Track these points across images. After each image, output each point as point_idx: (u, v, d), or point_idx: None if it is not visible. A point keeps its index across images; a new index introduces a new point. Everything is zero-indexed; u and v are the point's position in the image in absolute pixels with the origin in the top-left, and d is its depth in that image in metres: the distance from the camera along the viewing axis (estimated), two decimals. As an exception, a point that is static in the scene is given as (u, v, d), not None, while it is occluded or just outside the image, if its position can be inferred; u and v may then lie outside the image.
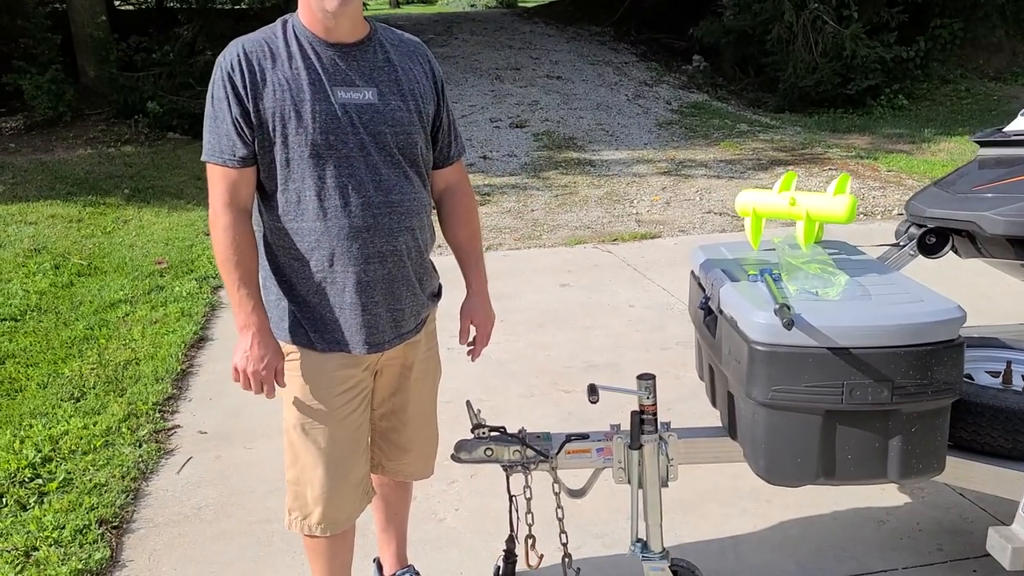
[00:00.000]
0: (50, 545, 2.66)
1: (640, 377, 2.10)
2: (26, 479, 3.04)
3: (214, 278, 5.26)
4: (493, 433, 2.19)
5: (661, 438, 2.14)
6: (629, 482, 2.16)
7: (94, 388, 3.78)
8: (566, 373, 3.93)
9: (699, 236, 6.15)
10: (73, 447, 3.26)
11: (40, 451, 3.20)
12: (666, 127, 10.04)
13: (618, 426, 2.21)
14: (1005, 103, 11.48)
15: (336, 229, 1.84)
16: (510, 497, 2.18)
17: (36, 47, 9.55)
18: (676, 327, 4.38)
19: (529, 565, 2.20)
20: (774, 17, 11.23)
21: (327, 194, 1.83)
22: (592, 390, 2.07)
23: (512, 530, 2.21)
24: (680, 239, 6.09)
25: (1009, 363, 2.43)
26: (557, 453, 2.19)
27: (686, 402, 3.47)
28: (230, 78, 1.80)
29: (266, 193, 1.88)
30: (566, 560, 2.21)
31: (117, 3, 13.34)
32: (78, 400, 3.68)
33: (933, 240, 2.64)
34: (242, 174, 1.84)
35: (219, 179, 1.83)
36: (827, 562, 2.54)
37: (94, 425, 3.42)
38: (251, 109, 1.80)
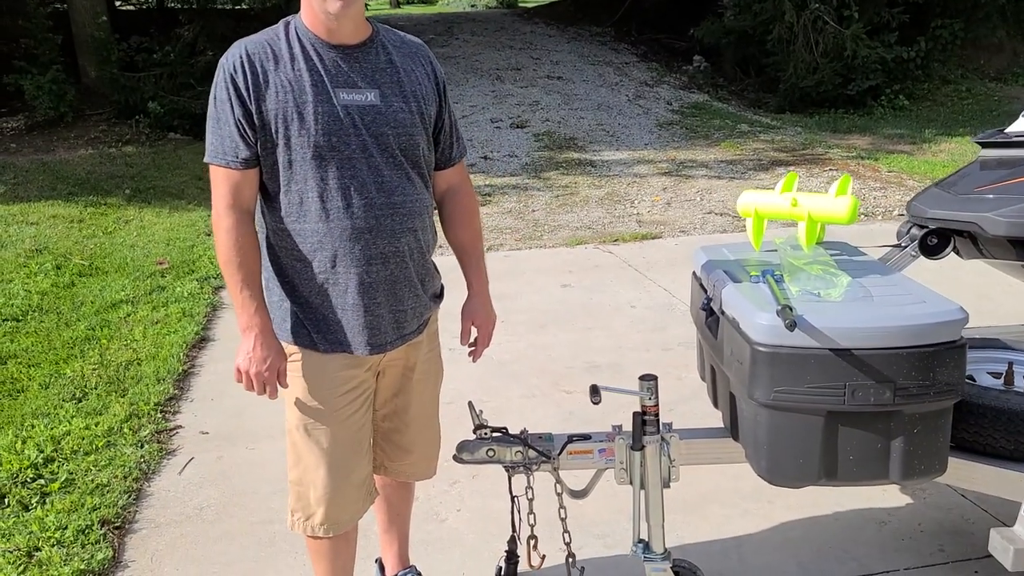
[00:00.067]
0: (52, 545, 2.66)
1: (642, 378, 2.10)
2: (28, 479, 3.04)
3: (215, 278, 5.26)
4: (495, 434, 2.19)
5: (663, 439, 2.14)
6: (631, 483, 2.16)
7: (96, 388, 3.78)
8: (567, 374, 3.93)
9: (700, 237, 6.15)
10: (75, 447, 3.26)
11: (42, 451, 3.20)
12: (667, 127, 10.04)
13: (620, 427, 2.22)
14: (1006, 103, 11.48)
15: (338, 230, 1.85)
16: (512, 498, 2.18)
17: (37, 47, 9.55)
18: (677, 328, 4.38)
19: (531, 565, 2.20)
20: (775, 17, 11.23)
21: (329, 195, 1.84)
22: (594, 391, 2.07)
23: (514, 531, 2.21)
24: (681, 239, 6.10)
25: (1011, 364, 2.43)
26: (559, 454, 2.19)
27: (687, 403, 3.47)
28: (233, 80, 1.81)
29: (269, 194, 1.89)
30: (570, 560, 2.21)
31: (118, 3, 13.35)
32: (80, 400, 3.68)
33: (935, 241, 2.64)
34: (245, 176, 1.84)
35: (222, 181, 1.84)
36: (829, 563, 2.55)
37: (96, 425, 3.43)
38: (254, 111, 1.80)
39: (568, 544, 2.19)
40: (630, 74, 12.65)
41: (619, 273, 5.37)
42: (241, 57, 1.82)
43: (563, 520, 2.18)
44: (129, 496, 2.96)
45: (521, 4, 23.64)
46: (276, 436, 3.30)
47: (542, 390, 3.78)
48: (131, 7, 13.83)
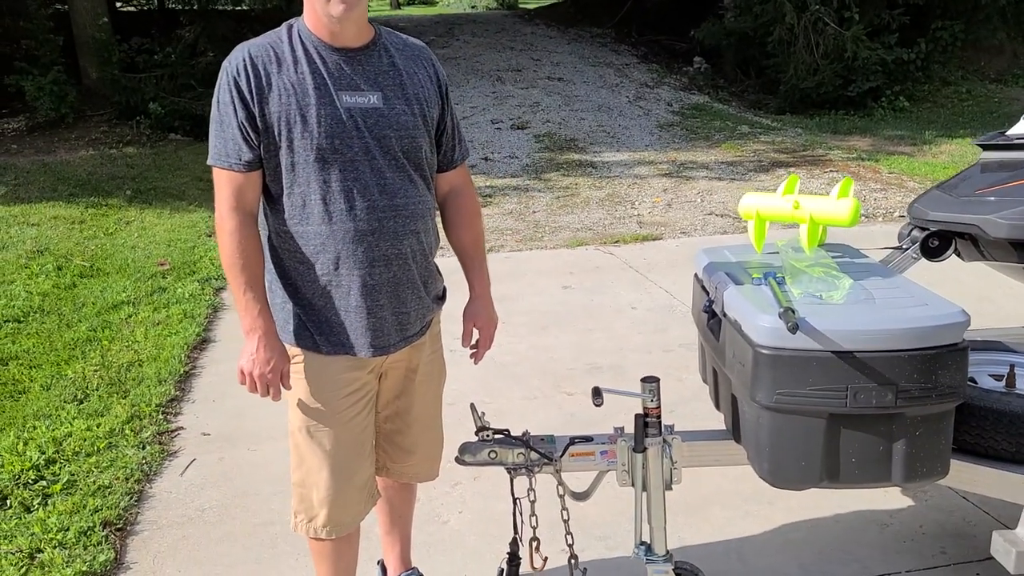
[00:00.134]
0: (54, 547, 2.66)
1: (644, 380, 2.10)
2: (30, 481, 3.04)
3: (216, 279, 5.27)
4: (497, 436, 2.19)
5: (665, 441, 2.14)
6: (633, 485, 2.16)
7: (97, 390, 3.79)
8: (568, 375, 3.93)
9: (701, 238, 6.15)
10: (77, 449, 3.26)
11: (44, 453, 3.20)
12: (667, 129, 10.05)
13: (622, 429, 2.22)
14: (1006, 105, 11.49)
15: (341, 233, 1.85)
16: (514, 500, 2.18)
17: (38, 48, 9.56)
18: (678, 329, 4.39)
19: (533, 567, 2.20)
20: (775, 19, 11.24)
21: (332, 198, 1.84)
22: (596, 393, 2.07)
23: (516, 532, 2.21)
24: (682, 241, 6.10)
25: (1012, 366, 2.44)
26: (561, 456, 2.19)
27: (688, 404, 3.47)
28: (236, 83, 1.81)
29: (272, 197, 1.89)
30: (572, 561, 2.21)
31: (119, 4, 13.36)
32: (81, 402, 3.68)
33: (936, 243, 2.65)
34: (248, 178, 1.84)
35: (225, 183, 1.84)
36: (831, 565, 2.55)
37: (97, 427, 3.43)
38: (257, 113, 1.81)
39: (570, 546, 2.19)
40: (630, 75, 12.66)
41: (620, 274, 5.38)
42: (244, 60, 1.82)
43: (566, 522, 2.18)
44: (131, 497, 2.96)
45: (522, 5, 23.66)
46: (277, 437, 3.30)
47: (543, 392, 3.78)
48: (132, 8, 13.84)
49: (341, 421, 1.96)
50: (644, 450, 2.11)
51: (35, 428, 3.42)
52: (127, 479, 3.06)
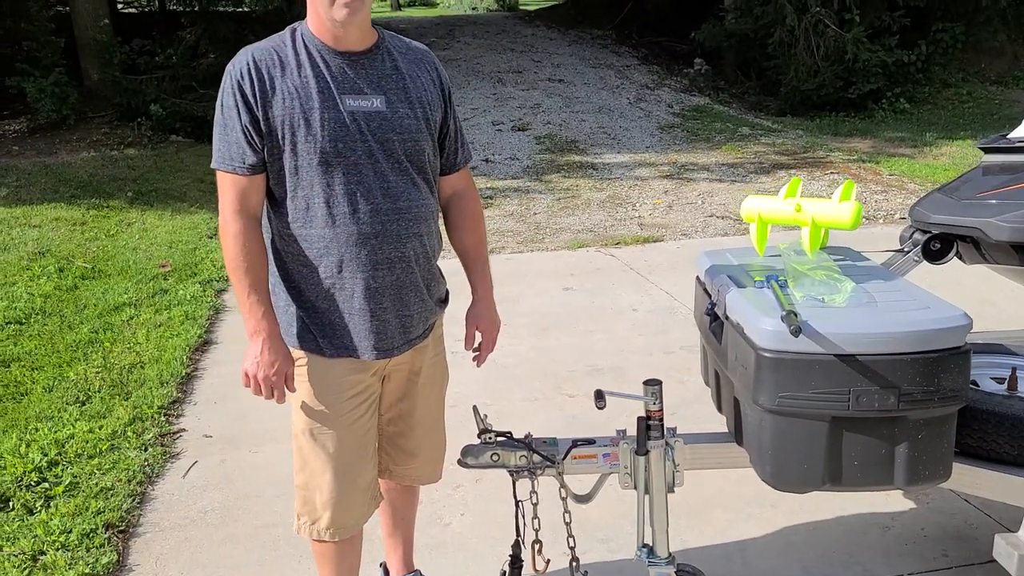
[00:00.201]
0: (57, 549, 2.66)
1: (647, 383, 2.10)
2: (32, 483, 3.04)
3: (218, 281, 5.27)
4: (500, 438, 2.19)
5: (667, 444, 2.14)
6: (635, 487, 2.16)
7: (99, 392, 3.79)
8: (570, 377, 3.93)
9: (701, 240, 6.16)
10: (79, 451, 3.26)
11: (46, 455, 3.21)
12: (668, 130, 10.05)
13: (624, 431, 2.22)
14: (1007, 107, 11.49)
15: (345, 236, 1.86)
16: (516, 502, 2.19)
17: (39, 50, 9.56)
18: (679, 331, 4.39)
19: (536, 570, 2.20)
20: (776, 21, 11.24)
21: (336, 201, 1.85)
22: (599, 395, 2.07)
23: (518, 535, 2.21)
24: (683, 243, 6.10)
25: (1014, 369, 2.44)
26: (564, 458, 2.19)
27: (690, 406, 3.47)
28: (240, 86, 1.81)
29: (275, 200, 1.89)
30: (574, 564, 2.21)
31: (120, 6, 13.37)
32: (83, 404, 3.68)
33: (938, 246, 2.65)
34: (252, 181, 1.85)
35: (229, 186, 1.85)
36: (833, 567, 2.55)
37: (99, 429, 3.43)
38: (260, 117, 1.81)
39: (572, 548, 2.19)
40: (631, 77, 12.66)
41: (621, 276, 5.38)
42: (248, 64, 1.83)
43: (567, 524, 2.18)
44: (133, 500, 2.96)
45: (522, 7, 23.67)
46: (279, 439, 3.31)
47: (544, 393, 3.78)
48: (133, 10, 13.85)
49: (344, 424, 1.96)
50: (646, 453, 2.12)
51: (37, 430, 3.42)
52: (129, 481, 3.07)
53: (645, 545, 2.18)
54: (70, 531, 2.74)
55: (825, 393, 1.89)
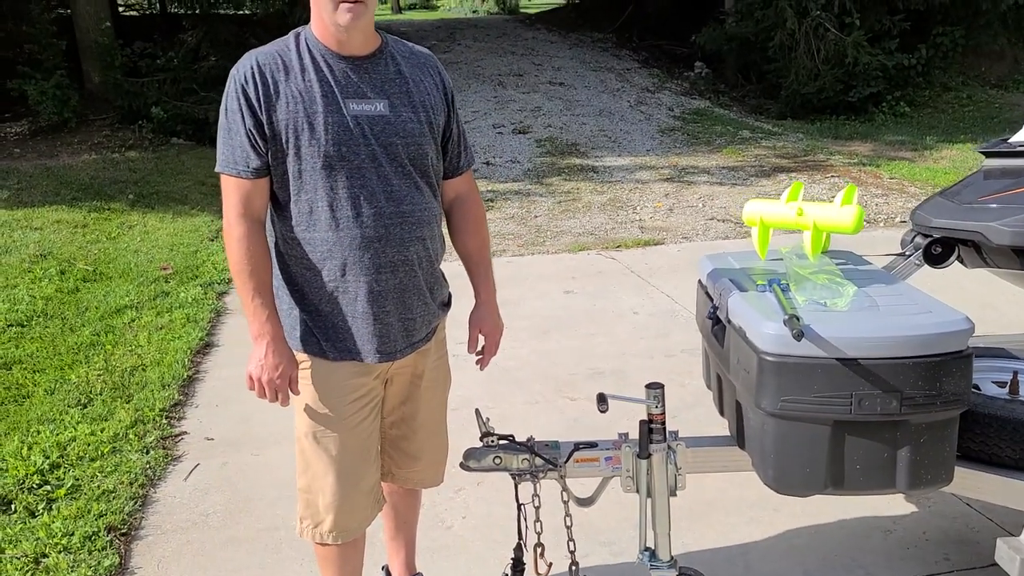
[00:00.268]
0: (59, 552, 2.67)
1: (649, 386, 2.11)
2: (34, 485, 3.05)
3: (219, 284, 5.28)
4: (502, 441, 2.19)
5: (670, 447, 2.14)
6: (637, 491, 2.16)
7: (101, 394, 3.79)
8: (571, 380, 3.94)
9: (702, 243, 6.16)
10: (81, 453, 3.27)
11: (48, 457, 3.21)
12: (668, 133, 10.06)
13: (626, 435, 2.22)
14: (1007, 111, 11.50)
15: (348, 239, 1.86)
16: (518, 505, 2.19)
17: (41, 53, 9.57)
18: (680, 334, 4.39)
19: (538, 573, 2.20)
20: (776, 24, 11.26)
21: (339, 204, 1.85)
22: (601, 399, 2.08)
23: (520, 538, 2.22)
24: (683, 246, 6.11)
25: (1016, 373, 2.44)
26: (566, 462, 2.19)
27: (691, 410, 3.47)
28: (244, 90, 1.82)
29: (279, 203, 1.90)
30: (573, 568, 2.21)
31: (121, 9, 13.40)
32: (85, 406, 3.69)
33: (939, 250, 2.66)
34: (256, 185, 1.85)
35: (233, 190, 1.85)
36: (835, 571, 2.55)
37: (101, 431, 3.43)
38: (264, 121, 1.82)
39: (572, 552, 2.20)
40: (632, 80, 12.68)
41: (622, 279, 5.38)
42: (252, 68, 1.83)
43: (568, 528, 2.19)
44: (135, 502, 2.97)
45: (523, 10, 23.71)
46: (281, 442, 3.31)
47: (546, 397, 3.78)
48: (135, 13, 13.87)
49: (347, 427, 1.97)
50: (649, 456, 2.12)
51: (39, 432, 3.43)
52: (131, 484, 3.07)
53: (647, 548, 2.18)
54: (72, 534, 2.75)
55: (827, 397, 1.89)
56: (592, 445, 2.22)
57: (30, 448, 3.29)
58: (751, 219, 2.49)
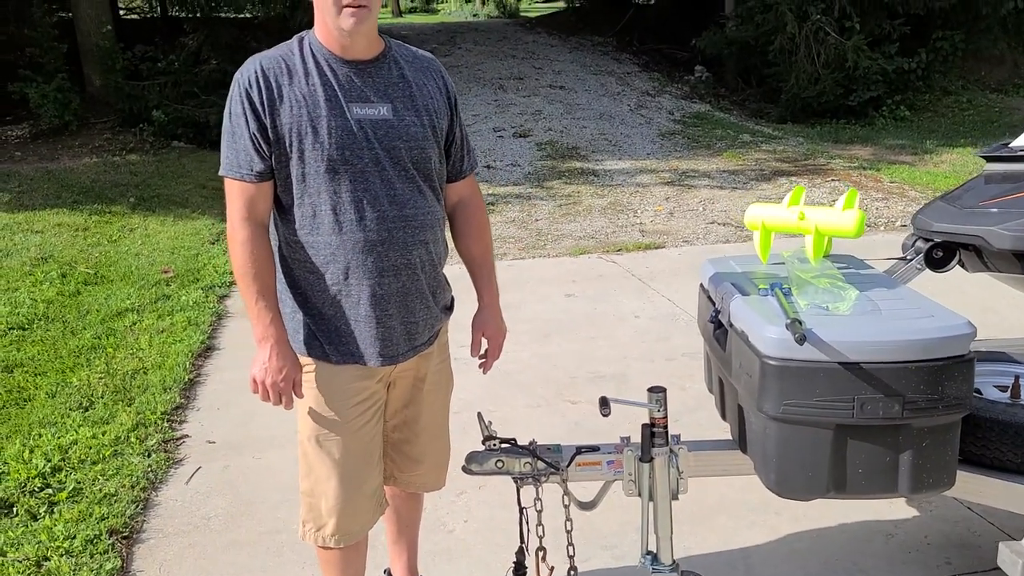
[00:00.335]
0: (61, 555, 2.66)
1: (651, 390, 2.11)
2: (36, 488, 3.05)
3: (220, 287, 5.28)
4: (504, 445, 2.20)
5: (672, 451, 2.14)
6: (639, 495, 2.16)
7: (102, 397, 3.79)
8: (572, 383, 3.94)
9: (703, 246, 6.17)
10: (82, 457, 3.27)
11: (50, 461, 3.21)
12: (669, 137, 10.07)
13: (628, 439, 2.23)
14: (1007, 115, 11.52)
15: (351, 243, 1.87)
16: (520, 509, 2.19)
17: (42, 56, 9.58)
18: (681, 338, 4.40)
19: (540, 577, 2.21)
20: (776, 28, 11.29)
21: (342, 208, 1.86)
22: (604, 403, 2.08)
23: (522, 542, 2.22)
24: (684, 249, 6.11)
25: (1017, 377, 2.44)
26: (568, 465, 2.20)
27: (693, 413, 3.47)
28: (248, 94, 1.82)
29: (282, 207, 1.90)
30: (572, 573, 2.21)
31: (123, 12, 13.43)
32: (86, 409, 3.69)
33: (940, 254, 2.66)
34: (259, 188, 1.86)
35: (237, 194, 1.86)
36: (836, 575, 2.55)
37: (103, 435, 3.43)
38: (268, 124, 1.82)
39: (571, 557, 2.19)
40: (632, 84, 12.70)
41: (622, 283, 5.39)
42: (256, 72, 1.84)
43: (568, 533, 2.19)
44: (137, 506, 2.97)
45: (523, 14, 23.75)
46: (283, 445, 3.31)
47: (547, 400, 3.79)
48: (136, 16, 13.90)
49: (350, 430, 1.97)
50: (651, 460, 2.12)
51: (41, 436, 3.43)
52: (133, 487, 3.07)
53: (649, 552, 2.18)
54: (74, 537, 2.75)
55: (829, 401, 1.89)
56: (594, 449, 2.22)
57: (32, 451, 3.29)
58: (753, 223, 2.49)
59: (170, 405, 3.72)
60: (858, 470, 1.96)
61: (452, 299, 2.16)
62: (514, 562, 2.26)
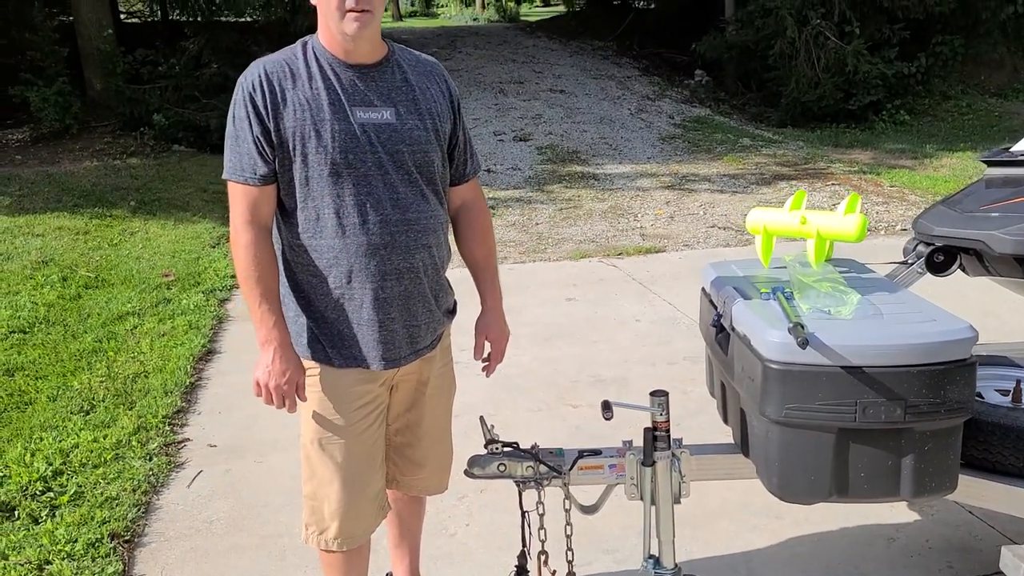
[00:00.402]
0: (63, 559, 2.66)
1: (653, 394, 2.11)
2: (37, 492, 3.05)
3: (221, 291, 5.28)
4: (506, 449, 2.20)
5: (674, 455, 2.15)
6: (641, 498, 2.16)
7: (103, 401, 3.79)
8: (573, 387, 3.94)
9: (703, 250, 6.17)
10: (84, 460, 3.27)
11: (51, 464, 3.21)
12: (669, 141, 10.09)
13: (630, 442, 2.23)
14: (1006, 119, 11.54)
15: (354, 246, 1.87)
16: (522, 513, 2.19)
17: (43, 60, 9.59)
18: (682, 341, 4.40)
19: (542, 581, 2.21)
20: (776, 32, 11.31)
21: (345, 212, 1.86)
22: (606, 407, 2.08)
23: (524, 545, 2.22)
24: (685, 253, 6.12)
25: (1019, 381, 2.44)
26: (570, 469, 2.20)
27: (694, 417, 3.48)
28: (251, 98, 1.83)
29: (285, 210, 1.91)
30: (572, 577, 2.21)
31: (124, 16, 13.44)
32: (88, 413, 3.69)
33: (941, 258, 2.67)
34: (263, 192, 1.86)
35: (240, 197, 1.86)
36: (838, 579, 2.55)
37: (104, 438, 3.43)
38: (272, 128, 1.83)
39: (570, 562, 2.19)
40: (632, 88, 12.72)
41: (623, 287, 5.39)
42: (259, 76, 1.85)
43: (568, 537, 2.19)
44: (138, 509, 2.97)
45: (523, 18, 23.79)
46: (284, 448, 3.31)
47: (548, 404, 3.79)
48: (137, 20, 13.91)
49: (353, 434, 1.97)
50: (653, 464, 2.12)
51: (42, 439, 3.43)
52: (134, 491, 3.07)
53: (651, 556, 2.18)
54: (76, 540, 2.75)
55: (832, 405, 1.89)
56: (596, 452, 2.22)
57: (33, 455, 3.29)
58: (755, 227, 2.50)
59: (171, 409, 3.72)
60: (860, 474, 1.96)
61: (455, 303, 2.16)
62: (516, 566, 2.26)
